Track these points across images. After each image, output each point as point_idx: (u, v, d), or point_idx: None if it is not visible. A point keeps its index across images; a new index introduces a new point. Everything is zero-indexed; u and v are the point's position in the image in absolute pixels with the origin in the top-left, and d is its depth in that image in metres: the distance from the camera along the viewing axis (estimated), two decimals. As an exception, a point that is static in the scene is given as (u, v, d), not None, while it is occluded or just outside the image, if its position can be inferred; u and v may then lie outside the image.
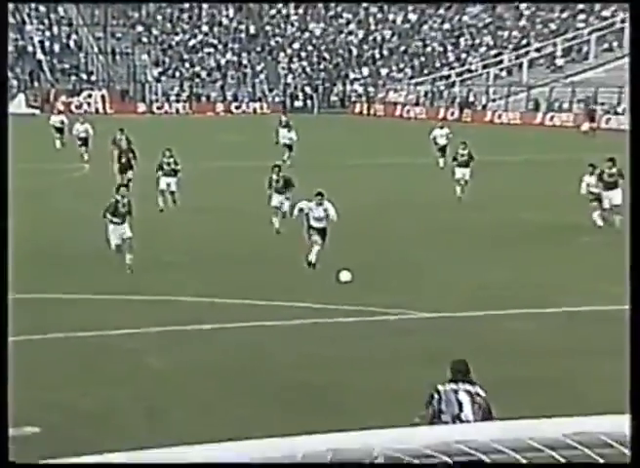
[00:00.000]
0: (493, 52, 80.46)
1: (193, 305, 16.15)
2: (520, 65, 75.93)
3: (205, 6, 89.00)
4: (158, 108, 76.76)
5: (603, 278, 18.01)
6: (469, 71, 78.18)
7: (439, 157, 36.37)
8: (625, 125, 58.80)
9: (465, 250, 20.97)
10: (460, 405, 8.24)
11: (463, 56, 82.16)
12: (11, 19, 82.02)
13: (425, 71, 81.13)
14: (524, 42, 79.58)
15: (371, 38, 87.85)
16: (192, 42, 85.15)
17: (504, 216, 25.18)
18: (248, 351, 13.57)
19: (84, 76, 79.57)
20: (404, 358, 13.11)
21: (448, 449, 3.23)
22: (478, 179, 28.28)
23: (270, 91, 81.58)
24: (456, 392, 8.33)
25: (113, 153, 31.79)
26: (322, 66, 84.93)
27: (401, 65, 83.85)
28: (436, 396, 8.28)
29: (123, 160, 30.23)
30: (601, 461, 3.11)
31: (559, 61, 75.18)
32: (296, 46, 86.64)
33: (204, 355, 13.38)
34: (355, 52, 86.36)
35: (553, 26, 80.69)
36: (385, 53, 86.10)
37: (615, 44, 74.48)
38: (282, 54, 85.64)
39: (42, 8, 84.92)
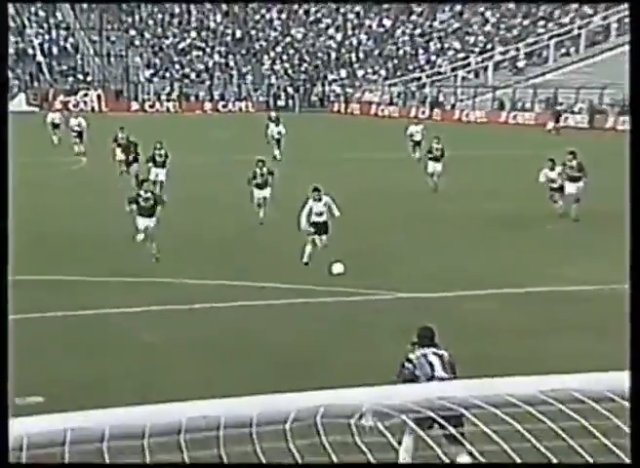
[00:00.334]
0: (460, 55, 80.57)
1: (185, 286, 16.10)
2: (485, 68, 76.11)
3: (194, 11, 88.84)
4: (150, 107, 76.46)
5: (562, 262, 18.21)
6: (439, 73, 78.26)
7: (414, 151, 36.37)
8: (582, 123, 59.26)
9: (438, 236, 21.09)
10: (432, 365, 8.42)
11: (433, 59, 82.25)
12: (12, 23, 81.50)
13: (398, 73, 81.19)
14: (489, 46, 79.76)
15: (348, 42, 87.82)
16: (182, 45, 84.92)
17: (474, 206, 25.29)
18: (236, 328, 13.54)
19: (81, 77, 79.25)
20: (382, 333, 13.11)
21: (431, 405, 3.18)
22: (449, 173, 28.36)
23: (255, 91, 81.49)
24: (425, 356, 8.51)
25: (115, 150, 31.73)
26: (303, 68, 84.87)
27: (376, 68, 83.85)
28: (410, 365, 8.40)
29: (127, 155, 30.19)
30: (577, 418, 3.07)
31: (521, 64, 75.39)
32: (278, 49, 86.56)
33: (195, 332, 13.35)
34: (334, 55, 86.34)
35: (516, 32, 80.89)
36: (361, 56, 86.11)
37: (572, 49, 74.80)
38: (266, 56, 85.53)
39: (41, 13, 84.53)
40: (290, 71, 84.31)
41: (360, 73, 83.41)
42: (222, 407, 3.10)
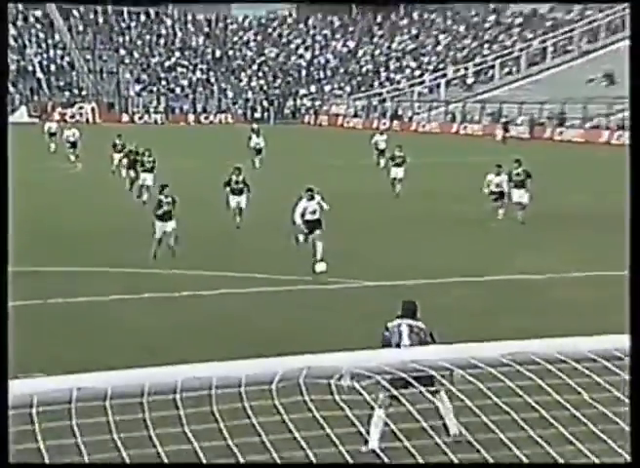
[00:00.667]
0: (416, 73, 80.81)
1: (173, 277, 15.97)
2: (439, 85, 76.37)
3: (178, 33, 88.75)
4: (139, 118, 76.02)
5: (515, 255, 18.30)
6: (398, 89, 78.41)
7: (379, 158, 36.25)
8: (524, 134, 59.60)
9: (402, 233, 21.07)
10: (400, 334, 8.47)
11: (393, 76, 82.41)
12: (13, 43, 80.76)
13: (362, 89, 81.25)
14: (441, 66, 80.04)
15: (316, 61, 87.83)
16: (167, 63, 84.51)
17: (432, 207, 25.35)
18: (221, 314, 13.45)
19: (76, 91, 78.68)
20: (357, 316, 13.07)
21: (404, 367, 3.15)
22: (410, 178, 28.34)
23: (234, 104, 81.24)
24: (399, 326, 8.58)
25: (113, 156, 31.54)
26: (276, 84, 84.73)
27: (342, 84, 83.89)
28: (387, 333, 8.48)
29: (127, 159, 29.51)
30: (533, 378, 3.05)
31: (470, 82, 75.74)
32: (254, 67, 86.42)
33: (183, 317, 13.25)
34: (304, 72, 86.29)
35: (465, 53, 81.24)
36: (329, 73, 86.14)
37: (514, 68, 75.32)
38: (243, 73, 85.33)
39: (41, 34, 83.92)
40: (265, 87, 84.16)
41: (328, 88, 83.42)
42: (214, 369, 3.05)
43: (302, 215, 16.93)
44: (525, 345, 3.32)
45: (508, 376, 3.12)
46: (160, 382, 2.89)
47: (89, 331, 12.40)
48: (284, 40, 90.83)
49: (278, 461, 2.69)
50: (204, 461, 2.60)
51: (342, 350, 3.07)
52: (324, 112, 78.47)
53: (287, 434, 2.74)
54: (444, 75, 77.11)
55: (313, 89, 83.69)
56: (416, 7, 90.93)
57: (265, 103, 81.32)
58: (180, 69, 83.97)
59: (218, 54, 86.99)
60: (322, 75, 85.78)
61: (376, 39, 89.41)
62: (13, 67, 77.33)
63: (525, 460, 2.70)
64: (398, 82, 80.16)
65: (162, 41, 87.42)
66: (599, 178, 32.80)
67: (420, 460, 2.82)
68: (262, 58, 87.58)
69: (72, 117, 70.93)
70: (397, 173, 28.48)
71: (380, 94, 78.20)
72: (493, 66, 76.06)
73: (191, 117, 77.59)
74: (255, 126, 41.81)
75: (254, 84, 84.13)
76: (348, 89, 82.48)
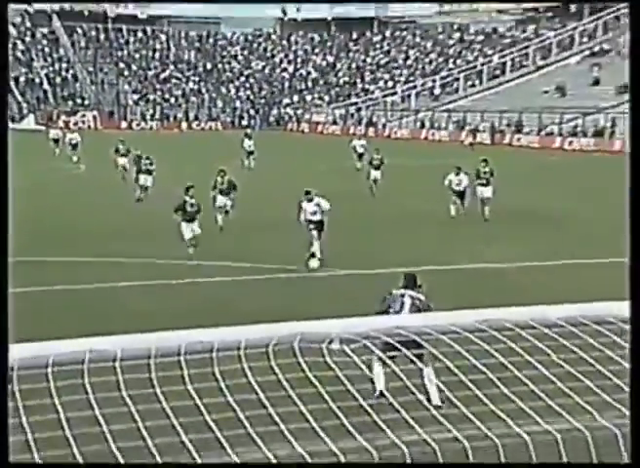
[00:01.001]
0: (389, 84, 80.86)
1: (168, 266, 15.87)
2: (409, 95, 76.42)
3: (172, 48, 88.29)
4: (137, 125, 75.46)
5: (479, 246, 18.33)
6: (372, 99, 78.39)
7: (357, 161, 36.00)
8: (486, 140, 59.68)
9: (379, 228, 21.00)
10: (402, 305, 8.47)
11: (368, 87, 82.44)
12: (22, 57, 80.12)
13: (340, 99, 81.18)
14: (412, 78, 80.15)
15: (298, 73, 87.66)
16: (162, 75, 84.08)
17: (404, 205, 25.32)
18: (213, 299, 13.37)
19: (79, 101, 78.06)
20: (335, 299, 13.04)
21: (390, 332, 3.11)
22: (384, 179, 28.27)
23: (223, 112, 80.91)
24: (402, 296, 8.56)
25: (117, 160, 31.27)
26: (262, 94, 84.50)
27: (321, 94, 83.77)
28: (389, 297, 8.46)
29: (139, 167, 28.95)
30: (506, 341, 3.02)
31: (437, 92, 75.87)
32: (242, 79, 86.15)
33: (177, 302, 13.14)
34: (287, 83, 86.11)
35: (432, 67, 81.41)
36: (310, 84, 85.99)
37: (477, 81, 75.49)
38: (231, 84, 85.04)
39: (47, 49, 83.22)
40: (251, 96, 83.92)
41: (309, 98, 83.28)
42: (215, 334, 3.00)
43: (306, 216, 16.30)
44: (499, 313, 3.29)
45: (484, 340, 3.10)
46: (165, 346, 2.85)
47: (89, 315, 12.26)
48: (268, 54, 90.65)
49: (275, 417, 2.65)
50: (205, 415, 2.55)
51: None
52: (305, 120, 78.32)
53: (282, 392, 2.70)
54: (414, 86, 77.21)
55: (296, 98, 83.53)
56: (388, 25, 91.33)
57: (252, 112, 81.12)
58: (173, 81, 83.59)
59: (208, 66, 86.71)
60: (303, 86, 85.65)
61: (352, 54, 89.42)
62: (22, 79, 77.10)
63: (501, 415, 2.69)
64: (372, 92, 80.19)
65: (157, 55, 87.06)
66: (553, 180, 32.98)
67: (405, 415, 2.79)
68: (249, 71, 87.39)
69: (75, 124, 70.40)
70: (375, 174, 28.38)
71: (357, 103, 78.17)
72: (457, 79, 76.25)
73: (184, 124, 77.18)
74: (248, 131, 42.43)
75: (241, 94, 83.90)
76: (327, 98, 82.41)
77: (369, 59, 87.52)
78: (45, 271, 14.70)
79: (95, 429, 2.43)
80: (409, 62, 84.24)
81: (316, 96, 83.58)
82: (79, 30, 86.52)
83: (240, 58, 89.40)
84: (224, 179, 20.92)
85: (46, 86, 78.81)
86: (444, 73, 78.07)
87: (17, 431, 2.25)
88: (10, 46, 79.91)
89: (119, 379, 2.57)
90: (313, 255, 15.88)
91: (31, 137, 50.84)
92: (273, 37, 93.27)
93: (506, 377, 3.00)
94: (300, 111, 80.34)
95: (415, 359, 3.27)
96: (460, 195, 22.63)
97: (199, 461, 2.41)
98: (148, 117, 77.39)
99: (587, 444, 2.73)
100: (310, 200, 16.31)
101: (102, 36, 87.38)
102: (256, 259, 16.25)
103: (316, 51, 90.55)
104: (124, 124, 75.16)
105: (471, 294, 13.43)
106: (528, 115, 60.25)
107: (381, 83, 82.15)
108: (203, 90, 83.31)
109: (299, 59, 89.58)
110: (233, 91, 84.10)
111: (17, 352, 2.42)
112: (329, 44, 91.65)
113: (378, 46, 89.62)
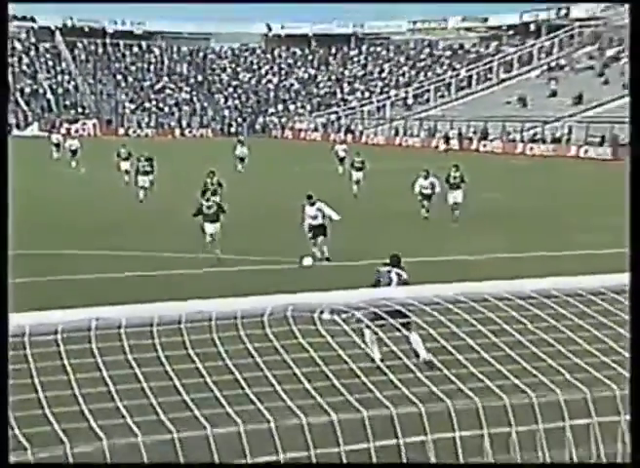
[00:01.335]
0: (366, 95, 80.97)
1: (162, 258, 15.74)
2: (384, 105, 76.58)
3: (166, 61, 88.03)
4: (133, 132, 75.04)
5: (452, 241, 18.33)
6: (350, 109, 78.48)
7: (339, 165, 35.77)
8: (455, 146, 59.83)
9: (359, 225, 20.88)
10: (390, 280, 8.63)
11: (346, 97, 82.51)
12: (27, 70, 79.48)
13: (321, 108, 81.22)
14: (386, 89, 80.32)
15: (282, 85, 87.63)
16: (157, 86, 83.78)
17: (382, 204, 25.26)
18: (207, 288, 13.25)
19: (80, 110, 77.65)
20: (321, 285, 12.97)
21: (376, 303, 3.07)
22: (366, 180, 28.16)
23: (213, 120, 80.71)
24: (389, 272, 8.78)
25: (119, 164, 30.98)
26: (249, 104, 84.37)
27: (304, 104, 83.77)
28: (376, 274, 8.53)
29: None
30: (484, 312, 2.99)
31: (410, 102, 76.06)
32: (230, 89, 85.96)
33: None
34: (272, 94, 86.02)
35: (405, 79, 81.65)
36: (293, 94, 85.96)
37: (446, 93, 75.79)
38: (221, 95, 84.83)
39: (50, 62, 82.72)
40: (239, 106, 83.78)
41: (292, 108, 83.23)
42: (213, 304, 2.94)
43: (308, 220, 15.54)
44: (478, 286, 3.26)
45: (464, 310, 3.06)
46: (167, 314, 2.79)
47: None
48: (255, 67, 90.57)
49: (270, 378, 2.60)
50: (206, 377, 2.49)
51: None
52: (289, 127, 78.25)
53: (277, 356, 2.66)
54: (388, 97, 77.39)
55: (280, 108, 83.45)
56: (364, 41, 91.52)
57: (239, 120, 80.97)
58: (167, 91, 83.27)
59: (199, 78, 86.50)
60: (287, 96, 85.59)
61: (331, 67, 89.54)
62: (27, 90, 76.75)
63: (480, 376, 2.66)
64: (351, 102, 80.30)
65: (152, 68, 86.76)
66: (516, 181, 33.13)
67: (392, 377, 2.75)
68: (237, 82, 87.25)
69: (76, 131, 69.90)
70: (357, 176, 28.27)
71: (337, 112, 78.23)
72: (428, 90, 76.56)
73: (177, 131, 76.88)
74: (241, 138, 42.42)
75: (229, 103, 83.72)
76: (309, 108, 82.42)
77: (347, 72, 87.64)
78: (44, 263, 14.50)
79: (102, 389, 2.37)
80: (383, 75, 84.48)
81: (299, 105, 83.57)
82: (79, 45, 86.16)
83: (228, 70, 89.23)
84: (214, 180, 21.14)
85: (49, 96, 78.30)
86: (416, 85, 78.35)
87: (29, 390, 2.19)
88: (15, 59, 79.21)
89: (124, 345, 2.51)
90: (309, 254, 15.19)
91: (35, 143, 50.43)
92: (259, 51, 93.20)
93: (485, 343, 2.97)
94: (284, 119, 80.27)
95: (401, 327, 3.23)
96: (429, 198, 22.04)
97: (200, 418, 2.36)
98: (144, 125, 77.01)
99: (559, 404, 2.71)
100: (312, 204, 15.51)
101: (101, 50, 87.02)
102: (246, 253, 16.16)
103: (298, 64, 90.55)
104: (121, 131, 74.72)
105: (445, 281, 13.42)
106: (493, 124, 60.61)
107: (359, 94, 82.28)
108: (195, 99, 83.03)
109: (282, 72, 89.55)
110: (222, 100, 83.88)
111: (28, 318, 2.35)
112: (310, 58, 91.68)
113: (355, 60, 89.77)
